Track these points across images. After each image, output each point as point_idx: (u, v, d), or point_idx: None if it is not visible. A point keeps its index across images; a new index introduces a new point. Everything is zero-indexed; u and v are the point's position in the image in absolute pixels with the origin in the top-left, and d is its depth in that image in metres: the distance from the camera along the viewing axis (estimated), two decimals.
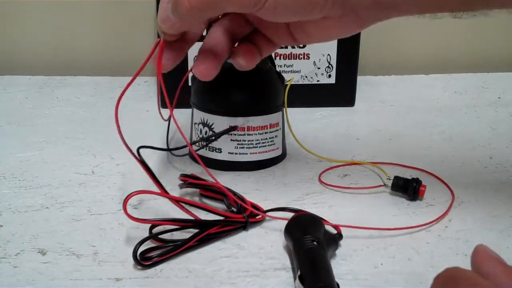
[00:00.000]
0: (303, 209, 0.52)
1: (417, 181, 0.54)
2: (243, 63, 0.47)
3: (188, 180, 0.53)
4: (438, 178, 0.58)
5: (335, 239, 0.46)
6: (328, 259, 0.43)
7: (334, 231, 0.47)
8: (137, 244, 0.44)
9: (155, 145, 0.62)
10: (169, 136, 0.63)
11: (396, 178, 0.55)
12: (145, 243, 0.45)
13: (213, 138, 0.57)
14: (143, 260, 0.44)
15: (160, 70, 0.47)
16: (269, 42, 0.48)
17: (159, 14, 0.44)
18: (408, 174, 0.56)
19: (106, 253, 0.46)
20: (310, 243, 0.43)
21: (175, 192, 0.53)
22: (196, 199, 0.54)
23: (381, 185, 0.56)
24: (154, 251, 0.45)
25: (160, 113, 0.58)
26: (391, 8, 0.43)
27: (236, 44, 0.48)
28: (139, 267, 0.44)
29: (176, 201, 0.50)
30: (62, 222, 0.50)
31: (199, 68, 0.46)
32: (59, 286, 0.42)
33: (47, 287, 0.42)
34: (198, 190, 0.54)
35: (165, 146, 0.62)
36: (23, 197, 0.54)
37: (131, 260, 0.44)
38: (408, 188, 0.54)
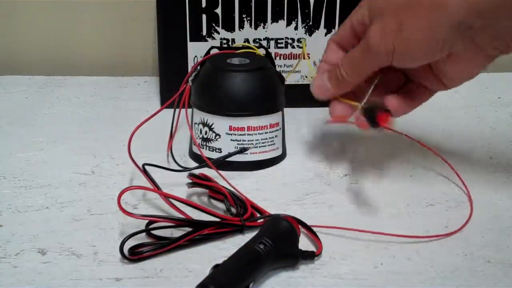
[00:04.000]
0: (303, 209, 0.52)
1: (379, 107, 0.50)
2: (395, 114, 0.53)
3: (193, 180, 0.53)
4: (455, 173, 0.58)
5: (296, 256, 0.44)
6: (258, 264, 0.42)
7: (312, 248, 0.46)
8: (125, 238, 0.45)
9: (155, 145, 0.63)
10: (170, 136, 0.63)
11: (366, 105, 0.51)
12: (142, 240, 0.46)
13: (222, 159, 0.58)
14: (132, 255, 0.44)
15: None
16: (424, 89, 0.54)
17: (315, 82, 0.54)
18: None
19: (106, 253, 0.46)
20: (258, 244, 0.43)
21: (175, 191, 0.53)
22: (205, 199, 0.54)
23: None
24: (145, 247, 0.45)
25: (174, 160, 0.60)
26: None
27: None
28: (125, 260, 0.44)
29: (168, 198, 0.50)
30: (62, 222, 0.50)
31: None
32: (59, 286, 0.42)
33: (47, 287, 0.42)
34: (204, 189, 0.54)
35: (165, 147, 0.62)
36: (23, 197, 0.54)
37: (131, 260, 0.44)
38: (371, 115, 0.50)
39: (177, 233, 0.47)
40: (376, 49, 0.47)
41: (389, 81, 0.54)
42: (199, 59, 0.69)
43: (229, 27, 0.72)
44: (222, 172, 0.55)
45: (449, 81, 0.52)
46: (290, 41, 0.73)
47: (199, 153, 0.59)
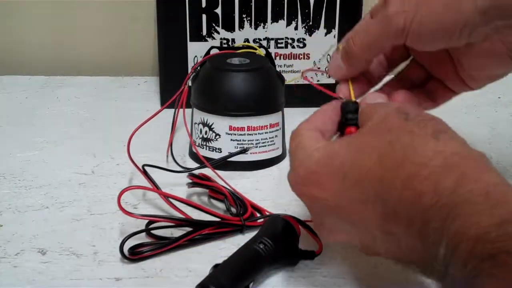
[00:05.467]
0: (303, 209, 0.52)
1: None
2: None
3: (193, 180, 0.53)
4: None
5: (296, 256, 0.45)
6: (258, 264, 0.42)
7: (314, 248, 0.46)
8: (125, 238, 0.45)
9: (155, 145, 0.63)
10: (170, 136, 0.63)
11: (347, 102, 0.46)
12: (142, 240, 0.46)
13: (223, 160, 0.57)
14: (132, 254, 0.44)
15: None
16: (445, 89, 0.50)
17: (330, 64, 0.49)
18: None
19: (106, 253, 0.46)
20: (258, 243, 0.43)
21: (175, 191, 0.53)
22: (205, 199, 0.54)
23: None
24: (145, 247, 0.45)
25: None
26: None
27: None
28: (125, 260, 0.45)
29: (167, 198, 0.50)
30: (62, 222, 0.50)
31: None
32: (59, 286, 0.42)
33: (47, 287, 0.42)
34: (204, 189, 0.54)
35: (165, 146, 0.62)
36: (23, 197, 0.54)
37: (131, 260, 0.44)
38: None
39: (177, 233, 0.47)
40: (392, 18, 0.43)
41: (408, 76, 0.50)
42: (199, 59, 0.69)
43: (229, 27, 0.72)
44: (222, 172, 0.55)
45: (469, 79, 0.49)
46: (290, 41, 0.73)
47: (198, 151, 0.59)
